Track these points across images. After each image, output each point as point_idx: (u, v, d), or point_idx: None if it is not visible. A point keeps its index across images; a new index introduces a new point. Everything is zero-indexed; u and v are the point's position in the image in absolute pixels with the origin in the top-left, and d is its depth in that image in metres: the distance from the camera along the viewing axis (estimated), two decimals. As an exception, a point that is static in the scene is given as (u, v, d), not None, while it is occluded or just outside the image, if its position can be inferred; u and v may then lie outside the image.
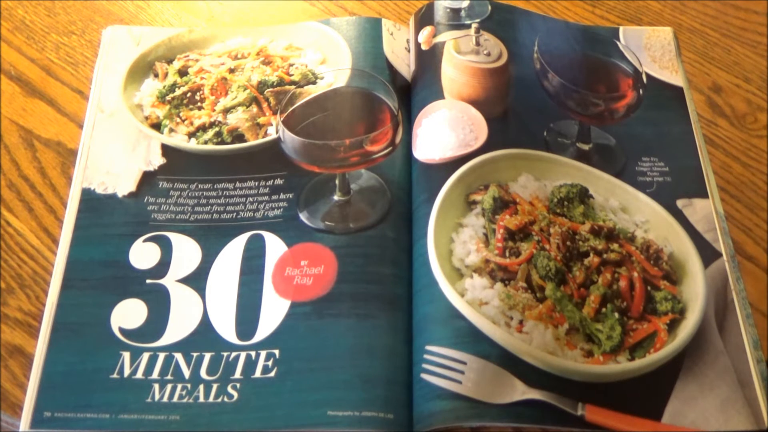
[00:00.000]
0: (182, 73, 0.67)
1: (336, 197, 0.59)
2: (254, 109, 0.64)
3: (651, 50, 0.68)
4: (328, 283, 0.54)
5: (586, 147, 0.62)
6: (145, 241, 0.57)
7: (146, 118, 0.64)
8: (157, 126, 0.64)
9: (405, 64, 0.67)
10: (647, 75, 0.65)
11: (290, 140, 0.57)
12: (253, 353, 0.52)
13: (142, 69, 0.67)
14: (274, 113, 0.64)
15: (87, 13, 0.73)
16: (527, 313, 0.51)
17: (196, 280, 0.55)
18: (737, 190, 0.62)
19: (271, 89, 0.65)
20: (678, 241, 0.56)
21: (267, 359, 0.51)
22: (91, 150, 0.61)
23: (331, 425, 0.48)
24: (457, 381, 0.49)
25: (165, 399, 0.50)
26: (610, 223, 0.57)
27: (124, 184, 0.59)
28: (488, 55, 0.64)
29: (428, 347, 0.51)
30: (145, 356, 0.52)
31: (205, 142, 0.62)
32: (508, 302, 0.52)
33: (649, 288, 0.54)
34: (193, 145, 0.62)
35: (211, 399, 0.50)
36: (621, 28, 0.70)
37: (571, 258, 0.55)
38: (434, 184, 0.57)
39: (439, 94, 0.63)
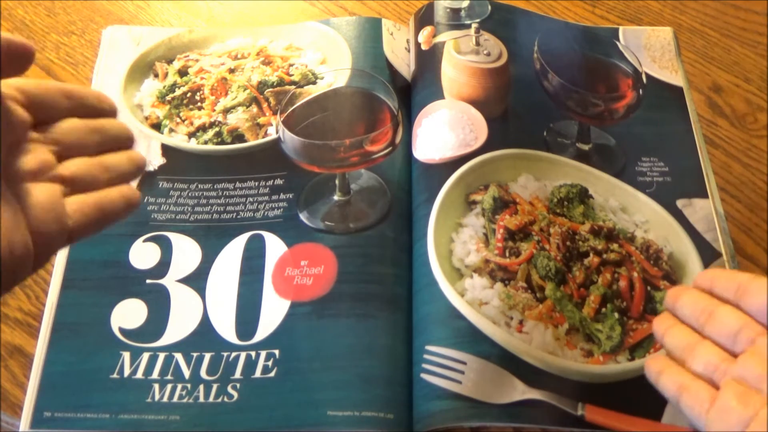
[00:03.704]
0: (182, 73, 0.67)
1: (336, 197, 0.59)
2: (254, 109, 0.64)
3: (651, 50, 0.68)
4: (328, 283, 0.54)
5: (586, 147, 0.62)
6: (145, 241, 0.57)
7: (146, 118, 0.64)
8: (157, 126, 0.64)
9: (405, 64, 0.67)
10: (647, 75, 0.65)
11: (290, 140, 0.57)
12: (253, 353, 0.52)
13: (142, 69, 0.67)
14: (274, 113, 0.64)
15: (87, 13, 0.73)
16: (527, 313, 0.51)
17: (196, 280, 0.55)
18: (737, 190, 0.62)
19: (271, 89, 0.65)
20: (678, 241, 0.56)
21: (267, 359, 0.51)
22: (91, 150, 0.61)
23: (331, 425, 0.48)
24: (457, 381, 0.49)
25: (165, 399, 0.50)
26: (610, 223, 0.57)
27: (124, 184, 0.59)
28: (488, 55, 0.64)
29: (428, 347, 0.51)
30: (145, 356, 0.52)
31: (205, 142, 0.62)
32: (508, 302, 0.52)
33: (649, 288, 0.54)
34: (193, 145, 0.62)
35: (211, 399, 0.50)
36: (621, 28, 0.70)
37: (571, 258, 0.55)
38: (434, 184, 0.57)
39: (439, 94, 0.63)
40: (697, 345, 0.39)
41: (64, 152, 0.38)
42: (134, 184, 0.59)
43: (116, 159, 0.40)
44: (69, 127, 0.38)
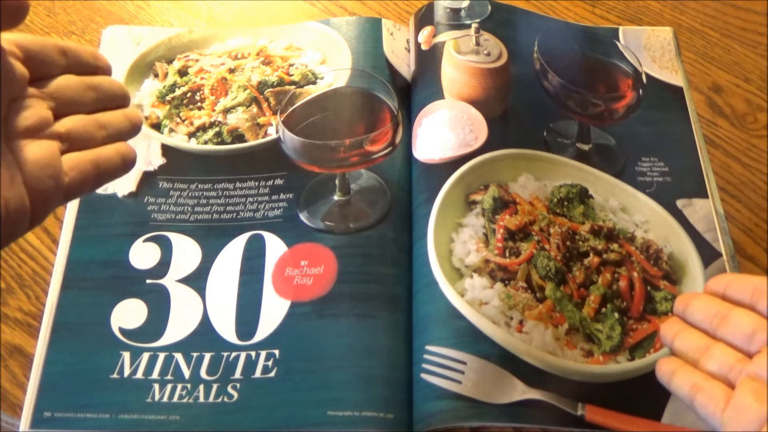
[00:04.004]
0: (182, 73, 0.67)
1: (336, 197, 0.59)
2: (254, 109, 0.64)
3: (651, 50, 0.68)
4: (328, 283, 0.54)
5: (585, 147, 0.62)
6: (145, 241, 0.57)
7: (146, 118, 0.64)
8: (157, 126, 0.64)
9: (405, 64, 0.67)
10: (647, 75, 0.65)
11: (290, 140, 0.57)
12: (253, 353, 0.52)
13: (142, 69, 0.67)
14: (274, 113, 0.64)
15: (87, 13, 0.73)
16: (527, 313, 0.51)
17: (196, 280, 0.55)
18: (737, 190, 0.62)
19: (271, 89, 0.65)
20: (678, 241, 0.56)
21: (267, 359, 0.51)
22: (91, 150, 0.61)
23: (331, 425, 0.48)
24: (457, 381, 0.49)
25: (165, 399, 0.50)
26: (609, 223, 0.57)
27: (124, 184, 0.59)
28: (488, 55, 0.64)
29: (428, 347, 0.51)
30: (145, 356, 0.52)
31: (205, 142, 0.62)
32: (508, 302, 0.52)
33: (648, 288, 0.54)
34: (193, 145, 0.62)
35: (211, 399, 0.50)
36: (621, 28, 0.70)
37: (571, 258, 0.55)
38: (434, 184, 0.57)
39: (439, 94, 0.63)
40: (711, 346, 0.39)
41: (61, 109, 0.38)
42: (134, 184, 0.59)
43: (112, 117, 0.40)
44: (65, 83, 0.38)
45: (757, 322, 0.38)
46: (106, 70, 0.41)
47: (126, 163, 0.40)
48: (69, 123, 0.38)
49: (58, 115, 0.37)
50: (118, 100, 0.41)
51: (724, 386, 0.37)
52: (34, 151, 0.35)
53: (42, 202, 0.35)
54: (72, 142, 0.37)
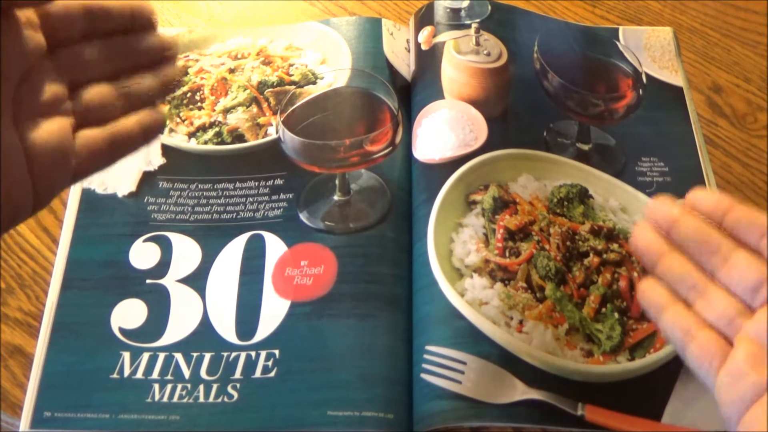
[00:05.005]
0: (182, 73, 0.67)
1: (336, 197, 0.59)
2: (254, 109, 0.64)
3: (651, 50, 0.68)
4: (328, 283, 0.54)
5: (585, 147, 0.62)
6: (145, 241, 0.57)
7: (146, 118, 0.64)
8: (157, 126, 0.63)
9: (405, 64, 0.67)
10: (647, 75, 0.65)
11: (290, 140, 0.57)
12: (253, 353, 0.52)
13: (142, 69, 0.67)
14: (274, 113, 0.64)
15: (87, 13, 0.73)
16: (527, 313, 0.51)
17: (196, 280, 0.55)
18: (737, 190, 0.62)
19: (271, 89, 0.65)
20: (678, 241, 0.56)
21: (267, 359, 0.51)
22: (91, 150, 0.61)
23: (331, 425, 0.48)
24: (457, 381, 0.49)
25: (165, 399, 0.50)
26: (609, 223, 0.57)
27: (124, 184, 0.59)
28: (488, 55, 0.64)
29: (428, 347, 0.51)
30: (145, 356, 0.52)
31: (205, 142, 0.62)
32: (508, 302, 0.52)
33: (649, 288, 0.54)
34: (193, 145, 0.62)
35: (211, 399, 0.50)
36: (621, 28, 0.70)
37: (571, 258, 0.55)
38: (434, 184, 0.57)
39: (439, 94, 0.63)
40: (708, 289, 0.35)
41: (80, 77, 0.35)
42: (134, 184, 0.59)
43: (139, 81, 0.37)
44: (88, 50, 0.35)
45: (764, 274, 0.33)
46: (146, 24, 0.36)
47: (147, 136, 0.37)
48: (86, 96, 0.35)
49: (75, 84, 0.35)
50: (155, 54, 0.37)
51: (719, 339, 0.34)
52: (43, 132, 0.33)
53: (47, 187, 0.33)
54: (89, 117, 0.35)
